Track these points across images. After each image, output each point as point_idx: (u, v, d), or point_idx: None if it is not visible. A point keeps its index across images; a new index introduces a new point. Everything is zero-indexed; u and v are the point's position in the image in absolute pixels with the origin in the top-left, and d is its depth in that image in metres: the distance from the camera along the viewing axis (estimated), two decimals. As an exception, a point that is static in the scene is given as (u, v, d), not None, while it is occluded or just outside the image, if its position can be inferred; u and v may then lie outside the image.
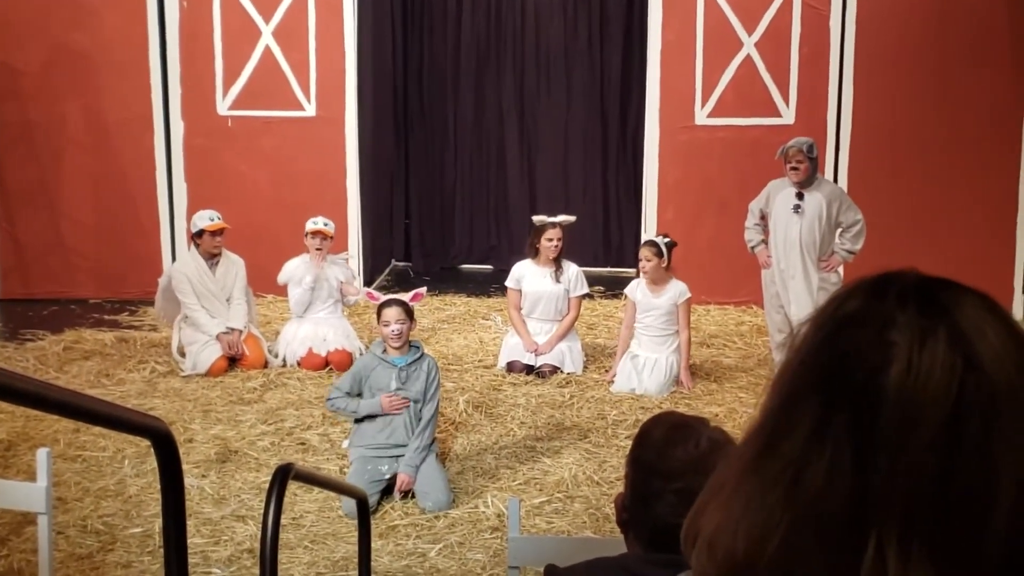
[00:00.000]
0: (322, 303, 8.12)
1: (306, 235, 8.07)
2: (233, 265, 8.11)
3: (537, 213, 8.41)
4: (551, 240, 7.89)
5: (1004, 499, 0.84)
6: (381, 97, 11.33)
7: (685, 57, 9.80)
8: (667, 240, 7.55)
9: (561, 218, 8.01)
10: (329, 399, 5.95)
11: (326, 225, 8.07)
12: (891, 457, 0.85)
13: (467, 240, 12.31)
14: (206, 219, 7.97)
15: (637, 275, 7.62)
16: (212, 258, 8.03)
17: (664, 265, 7.46)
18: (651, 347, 7.52)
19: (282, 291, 8.44)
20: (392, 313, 5.84)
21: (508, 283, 8.10)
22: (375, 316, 6.10)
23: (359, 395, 5.86)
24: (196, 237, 8.04)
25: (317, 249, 8.03)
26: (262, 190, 10.07)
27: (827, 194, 7.46)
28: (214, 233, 7.95)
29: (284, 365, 8.01)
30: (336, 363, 7.87)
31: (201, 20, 9.94)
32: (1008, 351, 0.87)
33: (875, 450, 0.85)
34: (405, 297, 6.09)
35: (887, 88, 9.56)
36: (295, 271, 8.09)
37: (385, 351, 5.87)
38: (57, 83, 9.99)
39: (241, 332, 7.96)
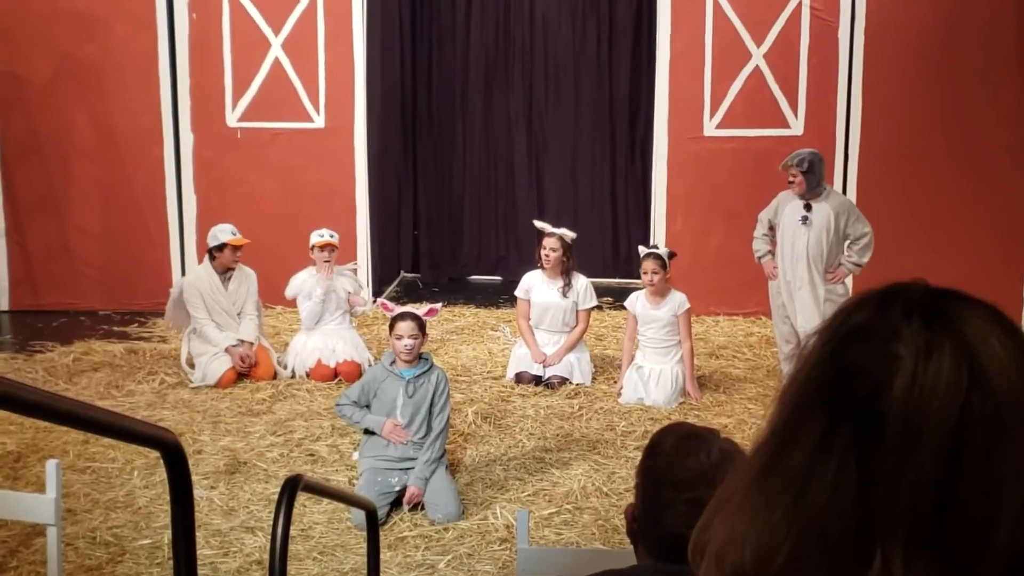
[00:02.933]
0: (331, 314, 8.12)
1: (312, 248, 8.06)
2: (246, 279, 8.10)
3: (545, 223, 8.34)
4: (544, 248, 7.88)
5: (1007, 513, 0.83)
6: (389, 108, 11.35)
7: (694, 67, 9.80)
8: (668, 251, 7.56)
9: (561, 231, 7.97)
10: (338, 404, 6.01)
11: (332, 237, 8.07)
12: (895, 472, 0.84)
13: (475, 251, 12.29)
14: (228, 233, 7.95)
15: (651, 283, 7.48)
16: (226, 272, 8.02)
17: (667, 276, 7.47)
18: (655, 358, 7.50)
19: (290, 302, 8.43)
20: (405, 327, 5.84)
21: (517, 293, 8.09)
22: (388, 328, 6.10)
23: (367, 406, 5.88)
24: (215, 251, 7.98)
25: (325, 261, 8.03)
26: (271, 201, 10.07)
27: (835, 206, 7.43)
28: (236, 248, 7.96)
29: (293, 376, 8.01)
30: (345, 374, 7.87)
31: (210, 31, 9.96)
32: (1014, 364, 0.86)
33: (879, 465, 0.85)
34: (419, 311, 6.09)
35: (896, 99, 9.54)
36: (303, 285, 8.09)
37: (394, 363, 5.88)
38: (65, 94, 9.99)
39: (252, 344, 7.96)
